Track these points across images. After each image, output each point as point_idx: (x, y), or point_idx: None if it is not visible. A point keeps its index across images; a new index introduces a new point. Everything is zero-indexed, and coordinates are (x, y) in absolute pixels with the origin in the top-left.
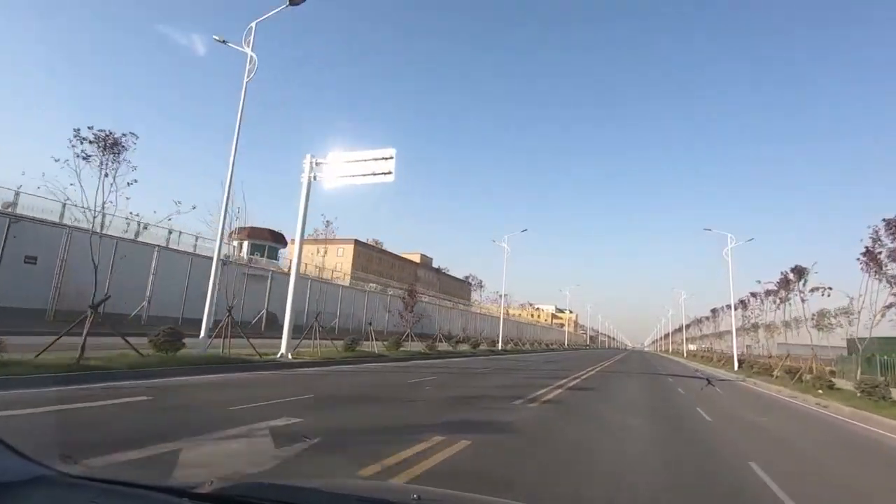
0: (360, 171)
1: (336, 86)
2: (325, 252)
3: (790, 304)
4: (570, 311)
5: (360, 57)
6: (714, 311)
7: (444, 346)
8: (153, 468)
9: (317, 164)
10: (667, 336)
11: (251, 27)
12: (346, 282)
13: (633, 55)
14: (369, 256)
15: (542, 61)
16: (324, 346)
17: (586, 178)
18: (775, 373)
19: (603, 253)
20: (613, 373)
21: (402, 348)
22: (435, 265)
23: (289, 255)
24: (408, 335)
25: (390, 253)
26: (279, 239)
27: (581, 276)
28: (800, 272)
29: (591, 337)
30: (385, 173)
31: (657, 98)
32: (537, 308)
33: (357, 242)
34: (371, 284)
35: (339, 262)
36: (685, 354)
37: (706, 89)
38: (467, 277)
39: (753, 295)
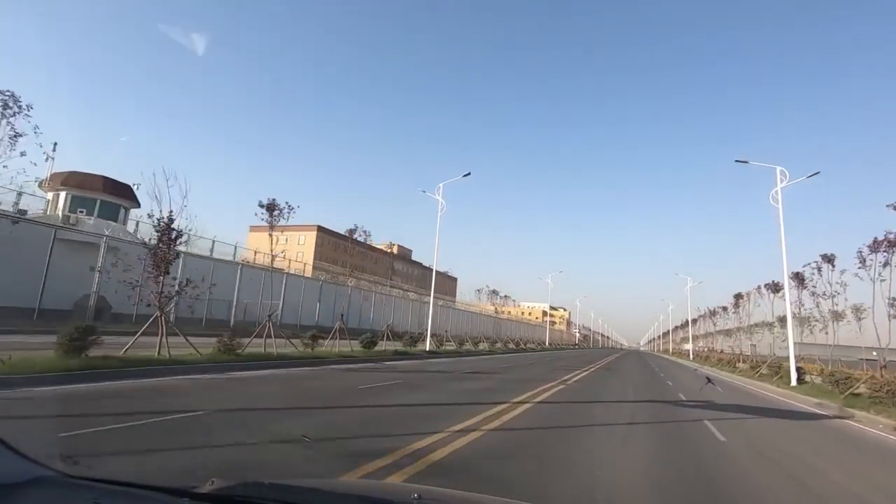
0: None
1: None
2: (285, 240)
3: None
4: (565, 309)
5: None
6: (738, 296)
7: (291, 348)
8: (154, 468)
9: None
10: (668, 333)
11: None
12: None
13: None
14: (336, 245)
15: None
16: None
17: (579, 168)
18: None
19: (599, 250)
20: (575, 407)
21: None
22: (415, 259)
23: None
24: (158, 321)
25: (361, 242)
26: (123, 192)
27: (578, 275)
28: None
29: (583, 336)
30: None
31: (653, 69)
32: (528, 306)
33: (320, 229)
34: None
35: (300, 250)
36: (691, 356)
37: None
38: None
39: (828, 260)
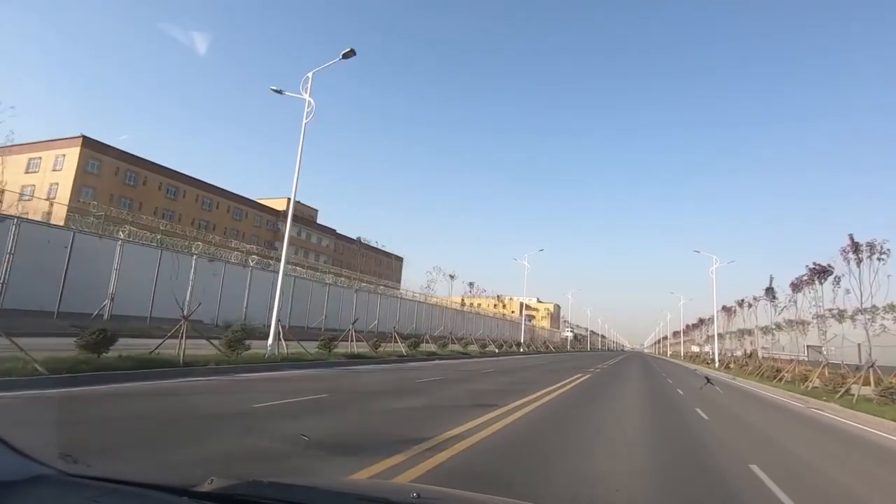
0: None
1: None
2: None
3: None
4: (556, 305)
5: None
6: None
7: None
8: (153, 467)
9: None
10: (693, 326)
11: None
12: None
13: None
14: (138, 177)
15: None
16: None
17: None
18: None
19: (597, 247)
20: None
21: None
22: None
23: None
24: None
25: (199, 182)
26: None
27: (574, 271)
28: None
29: (575, 335)
30: None
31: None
32: (510, 298)
33: (87, 142)
34: None
35: (55, 179)
36: (717, 363)
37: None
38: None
39: None
